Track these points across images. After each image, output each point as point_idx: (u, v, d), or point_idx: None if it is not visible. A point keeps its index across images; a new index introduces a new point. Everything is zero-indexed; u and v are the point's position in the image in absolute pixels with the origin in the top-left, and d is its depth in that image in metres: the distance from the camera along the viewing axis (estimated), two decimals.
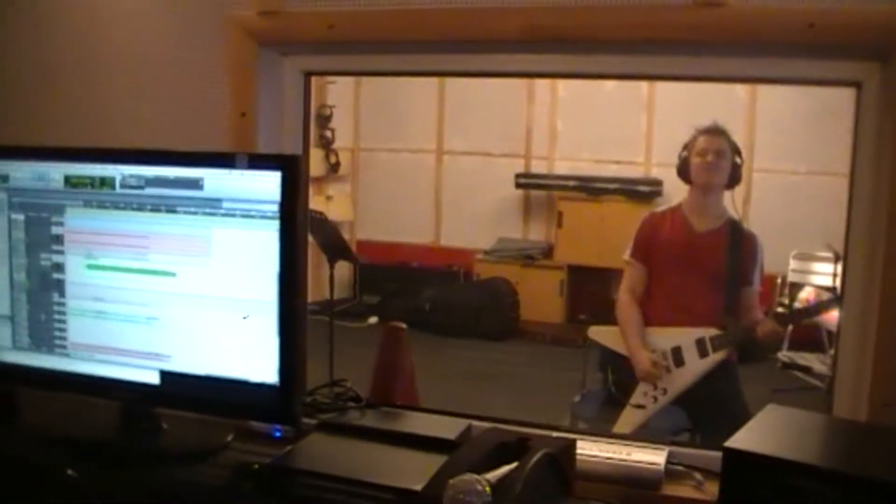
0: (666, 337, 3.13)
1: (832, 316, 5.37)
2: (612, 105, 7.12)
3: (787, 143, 6.71)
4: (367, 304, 7.29)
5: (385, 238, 7.83)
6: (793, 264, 6.23)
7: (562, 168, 7.40)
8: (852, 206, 1.60)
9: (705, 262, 3.10)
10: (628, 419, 3.12)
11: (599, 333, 3.29)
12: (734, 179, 3.14)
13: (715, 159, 3.10)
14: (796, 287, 5.92)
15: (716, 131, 3.14)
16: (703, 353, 3.06)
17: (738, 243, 3.12)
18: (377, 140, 7.88)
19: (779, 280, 6.30)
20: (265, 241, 1.60)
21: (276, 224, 1.59)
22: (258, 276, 1.61)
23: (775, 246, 6.70)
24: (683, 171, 3.21)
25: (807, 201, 6.69)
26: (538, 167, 7.48)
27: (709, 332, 3.05)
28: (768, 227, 6.96)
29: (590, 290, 6.73)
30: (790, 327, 5.53)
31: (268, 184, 1.60)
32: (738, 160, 3.15)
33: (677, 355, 3.11)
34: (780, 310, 6.00)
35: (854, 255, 1.59)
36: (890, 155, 1.52)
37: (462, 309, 6.86)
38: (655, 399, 3.10)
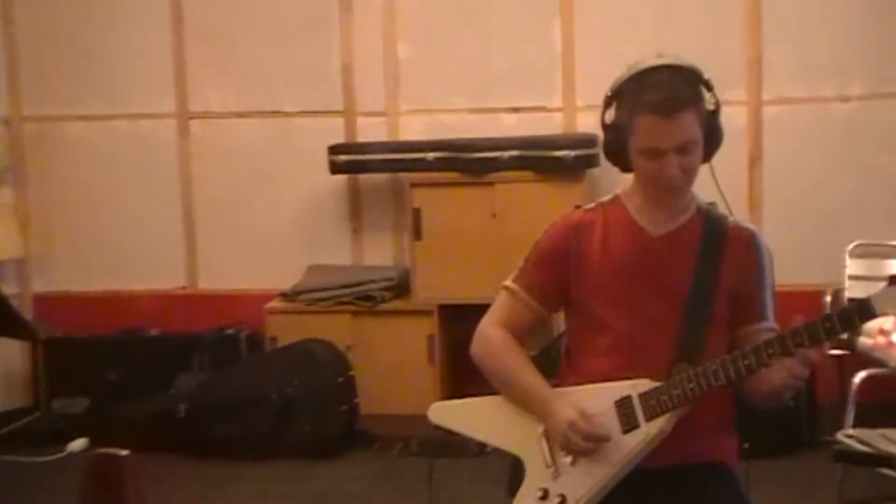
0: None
1: None
2: (498, 8, 7.34)
3: (821, 49, 7.05)
4: (65, 416, 7.20)
5: (93, 287, 7.81)
6: (852, 266, 6.36)
7: (414, 128, 7.53)
8: None
9: (669, 284, 3.29)
10: None
11: (448, 412, 3.55)
12: (711, 146, 3.28)
13: (678, 165, 3.21)
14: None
15: (672, 105, 3.19)
16: (625, 425, 3.21)
17: (718, 249, 3.30)
18: (60, 100, 7.82)
19: (828, 297, 6.40)
20: None
21: None
22: None
23: (815, 238, 6.87)
24: (615, 155, 3.34)
25: (870, 148, 6.87)
26: (371, 130, 7.57)
27: (637, 388, 3.21)
28: (799, 204, 7.12)
29: None
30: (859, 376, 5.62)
31: None
32: (709, 104, 3.26)
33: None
34: (835, 351, 6.16)
35: None
36: None
37: (249, 407, 6.81)
38: None
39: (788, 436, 6.21)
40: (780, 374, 3.07)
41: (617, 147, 3.29)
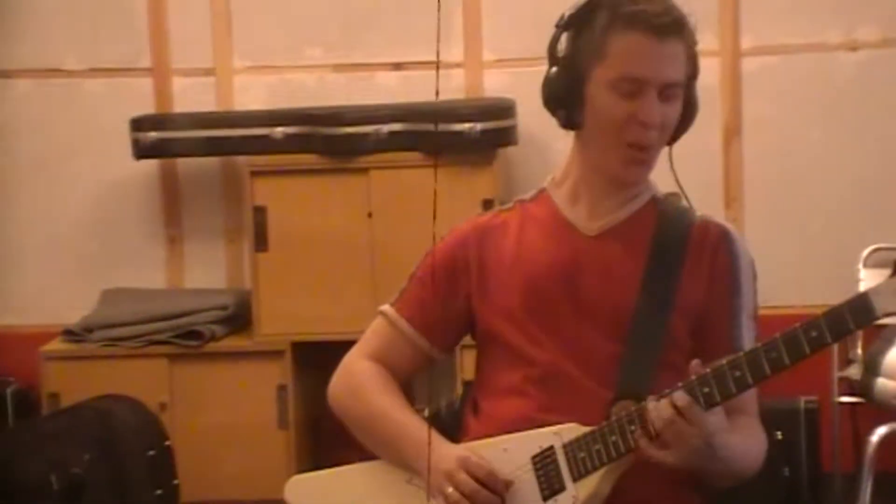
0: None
1: None
2: None
3: None
4: None
5: None
6: (867, 279, 6.54)
7: (254, 93, 7.69)
8: None
9: (607, 301, 3.45)
10: None
11: (309, 488, 3.82)
12: (681, 124, 3.48)
13: (660, 112, 3.37)
14: (880, 334, 6.22)
15: (671, 24, 3.39)
16: (545, 488, 3.36)
17: (677, 253, 3.47)
18: None
19: None
20: None
21: None
22: None
23: (816, 242, 6.95)
24: (563, 94, 3.45)
25: (886, 111, 6.95)
26: (192, 96, 7.70)
27: (563, 436, 3.35)
28: (791, 191, 7.18)
29: None
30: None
31: None
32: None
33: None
34: (845, 399, 6.26)
35: None
36: None
37: (18, 492, 6.66)
38: None
39: None
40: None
41: (570, 85, 3.40)
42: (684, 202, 3.53)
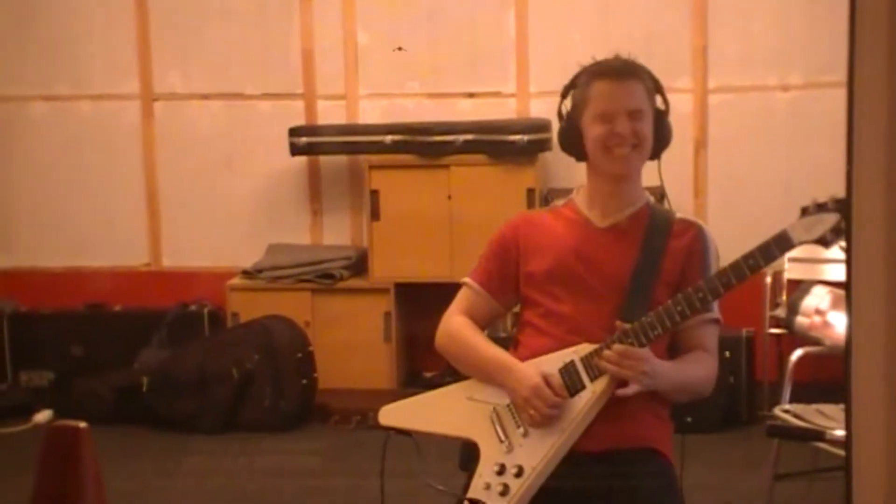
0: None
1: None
2: None
3: (765, 40, 7.20)
4: (31, 389, 7.25)
5: (57, 263, 7.82)
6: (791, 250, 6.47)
7: (372, 112, 7.58)
8: (854, 143, 1.60)
9: (610, 270, 3.39)
10: None
11: (397, 412, 3.49)
12: (660, 143, 3.43)
13: (630, 127, 3.35)
14: (799, 286, 6.28)
15: (624, 70, 3.39)
16: (571, 388, 3.30)
17: (661, 240, 3.40)
18: (21, 81, 7.79)
19: (768, 278, 6.53)
20: None
21: None
22: None
23: (756, 221, 6.95)
24: (570, 139, 3.47)
25: (808, 135, 6.95)
26: (330, 113, 7.64)
27: (579, 352, 3.30)
28: (741, 189, 7.21)
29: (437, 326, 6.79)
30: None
31: None
32: (659, 103, 3.45)
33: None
34: (773, 330, 6.30)
35: (864, 221, 1.58)
36: None
37: (210, 380, 6.87)
38: (505, 489, 3.25)
39: (728, 411, 6.40)
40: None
41: (572, 132, 3.39)
42: (663, 194, 3.54)
